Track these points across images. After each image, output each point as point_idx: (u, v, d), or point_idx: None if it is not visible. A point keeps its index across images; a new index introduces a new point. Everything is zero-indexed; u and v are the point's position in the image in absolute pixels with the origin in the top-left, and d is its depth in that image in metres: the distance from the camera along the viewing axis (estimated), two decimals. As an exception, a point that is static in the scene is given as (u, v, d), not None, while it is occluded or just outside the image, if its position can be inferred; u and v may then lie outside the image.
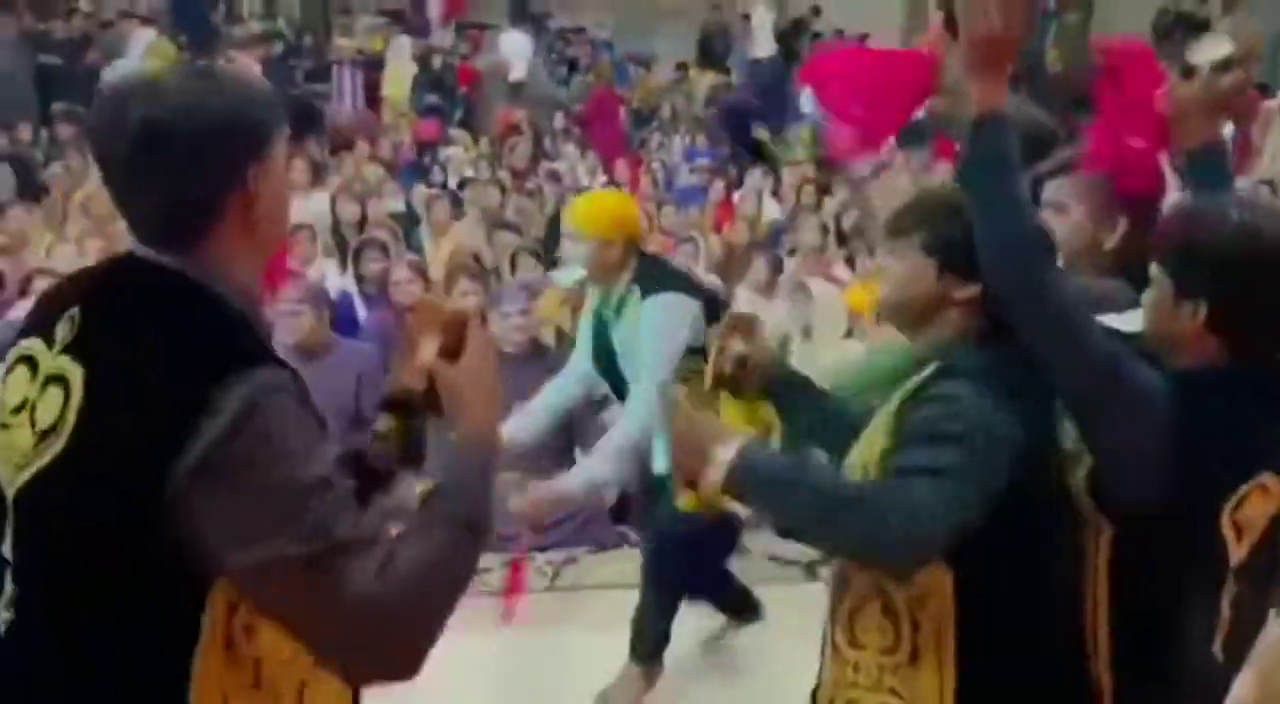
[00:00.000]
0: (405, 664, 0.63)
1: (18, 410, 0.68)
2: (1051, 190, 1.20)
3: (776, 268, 4.14)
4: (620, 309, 1.91)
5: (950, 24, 1.06)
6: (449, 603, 0.65)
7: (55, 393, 0.65)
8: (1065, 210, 1.17)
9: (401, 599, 0.61)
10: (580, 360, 2.03)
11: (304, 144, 5.93)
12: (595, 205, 2.12)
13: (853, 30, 7.99)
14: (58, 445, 0.63)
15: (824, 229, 4.61)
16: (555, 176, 6.27)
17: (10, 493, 0.67)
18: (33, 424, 0.66)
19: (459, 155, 7.07)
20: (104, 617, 0.64)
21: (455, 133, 7.77)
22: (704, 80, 8.69)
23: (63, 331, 0.67)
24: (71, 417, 0.63)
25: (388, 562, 0.60)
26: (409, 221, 5.03)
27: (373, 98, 7.83)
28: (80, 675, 0.64)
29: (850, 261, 4.36)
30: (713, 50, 9.12)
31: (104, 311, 0.68)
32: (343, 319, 3.61)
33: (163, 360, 0.62)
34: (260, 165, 0.65)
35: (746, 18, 8.80)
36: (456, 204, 5.25)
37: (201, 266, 0.66)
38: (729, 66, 8.91)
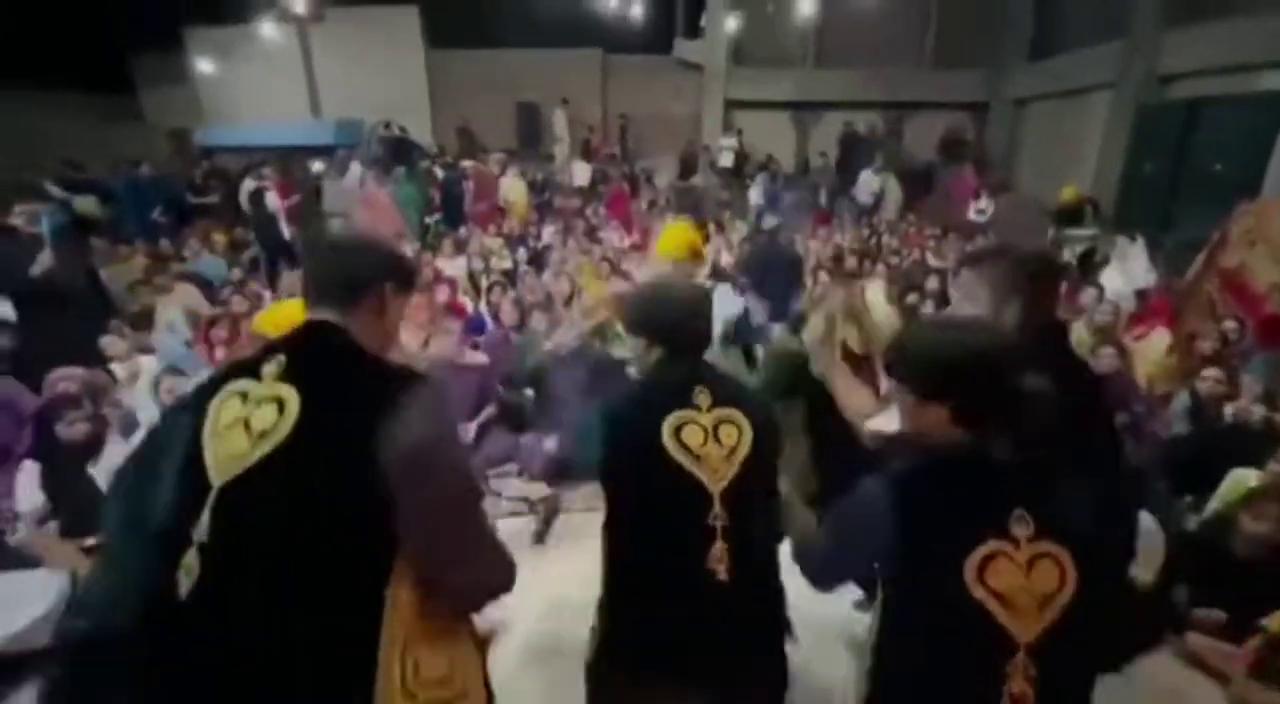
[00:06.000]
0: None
1: (230, 426, 0.83)
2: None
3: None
4: None
5: None
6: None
7: (270, 409, 0.83)
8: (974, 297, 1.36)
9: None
10: None
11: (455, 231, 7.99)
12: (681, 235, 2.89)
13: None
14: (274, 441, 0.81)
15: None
16: (598, 240, 8.39)
17: (217, 483, 0.80)
18: (247, 429, 0.82)
19: (547, 231, 9.07)
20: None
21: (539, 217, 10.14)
22: (683, 183, 12.59)
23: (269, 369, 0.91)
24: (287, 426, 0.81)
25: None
26: (514, 273, 6.64)
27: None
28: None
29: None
30: (689, 166, 13.03)
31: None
32: (475, 331, 4.54)
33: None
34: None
35: (706, 148, 12.93)
36: (539, 259, 7.24)
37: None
38: (699, 176, 12.78)
